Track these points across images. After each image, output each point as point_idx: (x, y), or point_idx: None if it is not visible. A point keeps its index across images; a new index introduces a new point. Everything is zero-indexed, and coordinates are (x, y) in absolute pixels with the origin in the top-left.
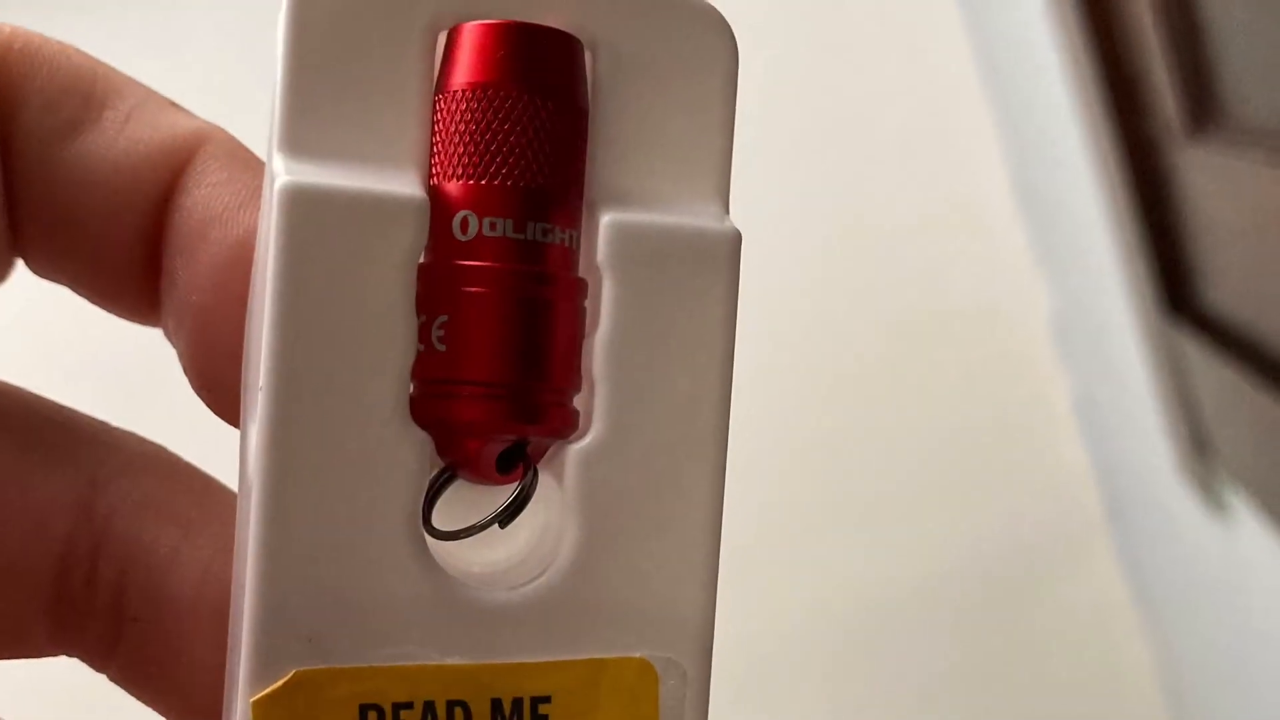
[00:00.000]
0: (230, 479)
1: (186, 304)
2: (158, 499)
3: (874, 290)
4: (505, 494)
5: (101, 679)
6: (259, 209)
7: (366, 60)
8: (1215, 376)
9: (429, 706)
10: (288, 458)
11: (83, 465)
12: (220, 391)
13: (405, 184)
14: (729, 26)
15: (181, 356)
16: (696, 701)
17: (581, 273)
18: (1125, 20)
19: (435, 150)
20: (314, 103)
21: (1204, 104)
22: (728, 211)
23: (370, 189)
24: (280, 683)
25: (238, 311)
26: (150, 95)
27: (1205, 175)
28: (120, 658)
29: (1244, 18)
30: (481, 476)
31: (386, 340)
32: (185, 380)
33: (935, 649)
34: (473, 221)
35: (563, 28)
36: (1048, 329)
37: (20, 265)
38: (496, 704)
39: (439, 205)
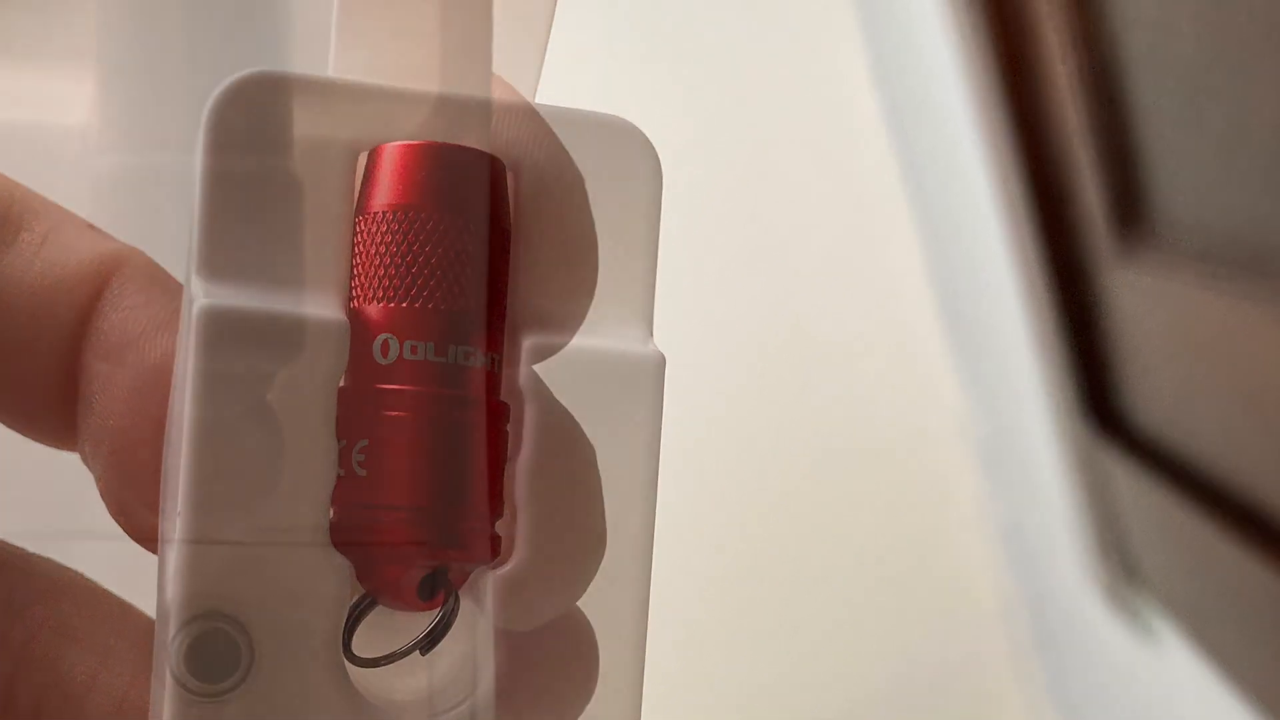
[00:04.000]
0: (148, 605)
1: (104, 428)
2: (75, 625)
3: (799, 414)
4: (427, 620)
5: None
6: (176, 332)
7: (286, 182)
8: (1144, 501)
9: None
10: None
11: None
12: (138, 516)
13: (325, 306)
14: (653, 146)
15: (99, 480)
16: None
17: (504, 396)
18: (1055, 140)
19: (356, 272)
20: (232, 224)
21: (1134, 225)
22: (652, 334)
23: (289, 312)
24: None
25: (155, 436)
26: (67, 217)
27: (1135, 296)
28: None
29: (1174, 137)
30: (403, 603)
31: (306, 465)
32: (103, 504)
33: None
34: (393, 344)
35: (484, 149)
36: (975, 454)
37: None
38: None
39: (359, 328)
